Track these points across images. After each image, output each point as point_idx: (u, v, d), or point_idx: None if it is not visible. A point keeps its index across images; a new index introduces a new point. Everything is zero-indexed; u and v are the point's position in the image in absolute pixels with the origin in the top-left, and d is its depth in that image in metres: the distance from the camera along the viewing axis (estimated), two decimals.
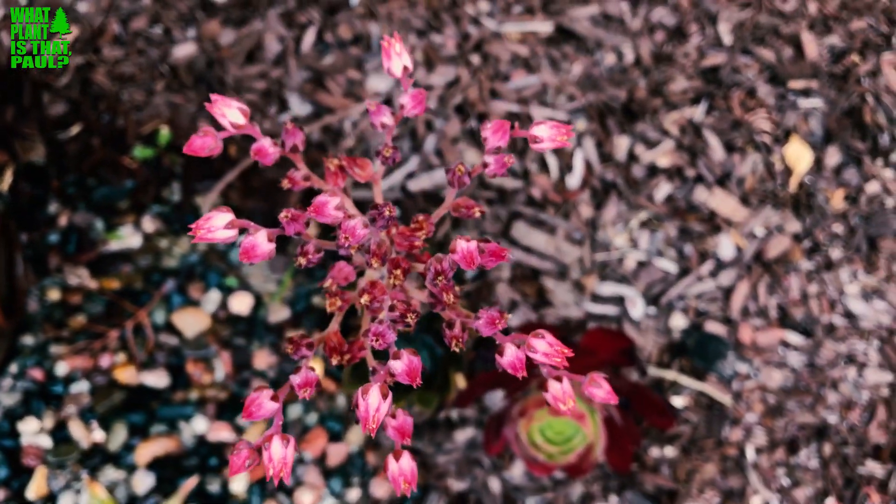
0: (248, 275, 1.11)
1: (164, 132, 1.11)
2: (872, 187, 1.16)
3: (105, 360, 1.06)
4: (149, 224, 1.12)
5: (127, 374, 1.06)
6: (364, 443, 1.08)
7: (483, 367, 1.06)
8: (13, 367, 1.06)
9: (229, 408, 1.07)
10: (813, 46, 1.21)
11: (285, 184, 0.45)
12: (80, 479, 1.03)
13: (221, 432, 1.06)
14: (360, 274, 0.50)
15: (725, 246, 1.13)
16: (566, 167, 1.15)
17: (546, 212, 1.13)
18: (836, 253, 1.14)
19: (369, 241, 0.45)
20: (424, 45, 1.18)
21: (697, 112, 1.17)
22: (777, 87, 1.19)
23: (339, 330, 0.48)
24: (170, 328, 1.09)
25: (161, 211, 1.12)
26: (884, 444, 1.09)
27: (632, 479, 1.07)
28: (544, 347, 0.45)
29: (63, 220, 1.11)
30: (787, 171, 1.16)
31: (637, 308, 1.11)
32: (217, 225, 0.44)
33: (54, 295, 1.08)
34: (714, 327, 1.11)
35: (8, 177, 1.10)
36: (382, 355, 0.46)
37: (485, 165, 0.48)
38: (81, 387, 1.06)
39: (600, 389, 0.47)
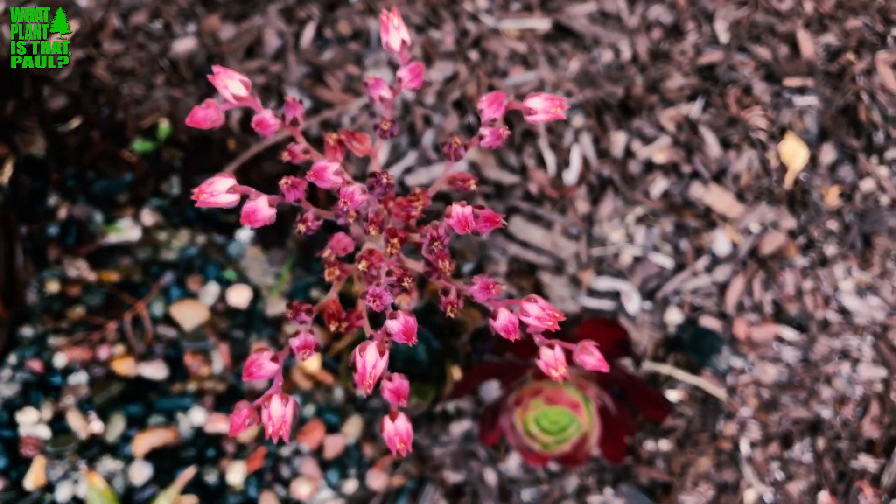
0: (247, 268, 1.12)
1: (164, 126, 1.12)
2: (867, 184, 1.17)
3: (103, 352, 1.07)
4: (148, 217, 1.12)
5: (125, 366, 1.07)
6: (361, 435, 1.08)
7: (479, 360, 1.06)
8: (12, 358, 1.06)
9: (227, 400, 1.07)
10: (809, 45, 1.22)
11: (285, 156, 0.46)
12: (78, 469, 1.03)
13: (219, 424, 1.06)
14: (358, 248, 0.51)
15: (721, 242, 1.14)
16: (563, 163, 1.16)
17: (543, 207, 1.14)
18: (830, 249, 1.15)
19: (367, 209, 0.46)
20: (423, 40, 1.18)
21: (694, 109, 1.18)
22: (773, 85, 1.20)
23: (337, 298, 0.48)
24: (168, 320, 1.10)
25: (160, 204, 1.13)
26: (877, 438, 1.10)
27: (627, 471, 1.08)
28: (537, 311, 0.45)
29: (62, 213, 1.11)
30: (783, 168, 1.17)
31: (633, 303, 1.12)
32: (219, 189, 0.45)
33: (53, 287, 1.09)
34: (709, 322, 1.12)
35: (8, 169, 1.10)
36: (379, 326, 0.47)
37: (480, 138, 0.49)
38: (80, 378, 1.06)
39: (591, 357, 0.48)
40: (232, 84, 0.47)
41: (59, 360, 1.06)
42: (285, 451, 1.07)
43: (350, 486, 1.06)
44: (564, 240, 1.13)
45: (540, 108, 0.49)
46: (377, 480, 1.07)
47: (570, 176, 1.15)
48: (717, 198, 1.15)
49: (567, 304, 1.11)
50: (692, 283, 1.13)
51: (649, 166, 1.16)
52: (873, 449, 1.10)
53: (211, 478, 1.05)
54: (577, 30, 1.21)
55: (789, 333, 1.12)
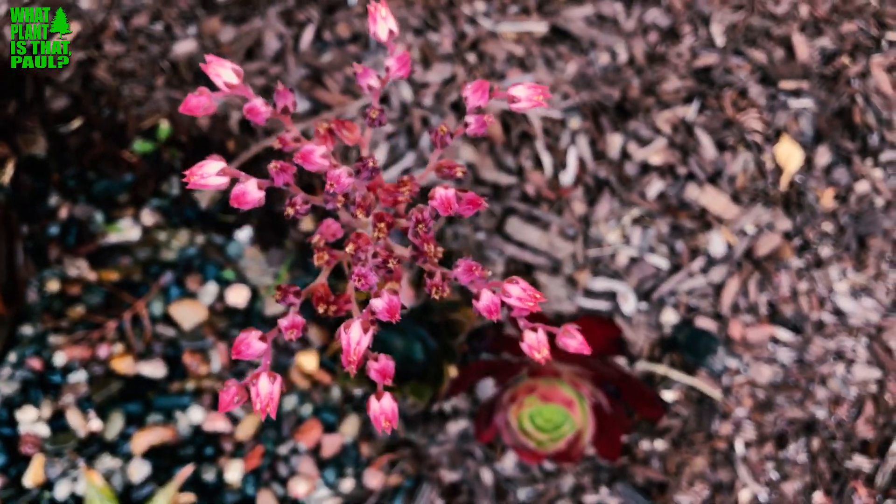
0: (245, 268, 1.12)
1: (164, 127, 1.13)
2: (862, 187, 1.18)
3: (103, 351, 1.08)
4: (148, 217, 1.13)
5: (124, 365, 1.08)
6: (358, 434, 1.09)
7: (476, 359, 1.07)
8: (12, 357, 1.07)
9: None
10: (804, 48, 1.23)
11: (276, 145, 0.47)
12: (77, 467, 1.04)
13: (217, 422, 1.07)
14: (346, 236, 0.52)
15: (716, 243, 1.15)
16: (560, 164, 1.16)
17: (540, 208, 1.15)
18: (825, 251, 1.16)
19: (355, 194, 0.46)
20: (421, 43, 1.20)
21: (689, 111, 1.19)
22: (768, 88, 1.21)
23: (326, 283, 0.49)
24: (167, 320, 1.10)
25: (160, 204, 1.14)
26: (871, 439, 1.10)
27: (622, 471, 1.08)
28: (518, 292, 0.46)
29: (63, 213, 1.12)
30: (778, 170, 1.18)
31: (629, 303, 1.13)
32: (209, 172, 0.46)
33: (54, 286, 1.10)
34: (704, 323, 1.13)
35: (9, 170, 1.11)
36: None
37: (466, 125, 0.50)
38: (79, 376, 1.07)
39: (573, 340, 0.48)
40: (224, 72, 0.48)
41: (59, 358, 1.07)
42: (283, 450, 1.07)
43: (347, 484, 1.07)
44: (561, 241, 1.14)
45: (523, 97, 0.50)
46: (374, 479, 1.07)
47: (567, 177, 1.16)
48: (713, 199, 1.16)
49: (564, 304, 1.12)
50: (688, 284, 1.14)
51: (645, 168, 1.17)
52: (868, 449, 1.10)
53: (209, 476, 1.05)
54: (574, 33, 1.22)
55: (784, 334, 1.13)
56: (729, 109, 1.19)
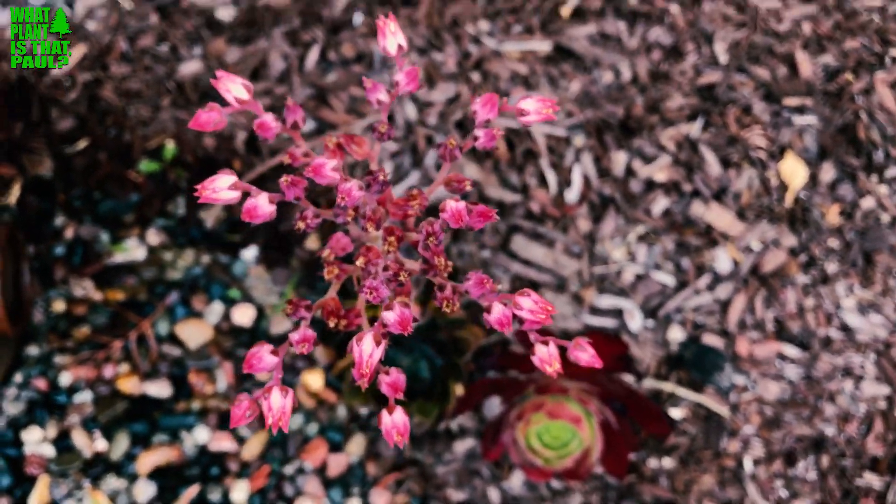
0: (251, 287, 1.12)
1: (170, 147, 1.13)
2: (867, 203, 1.17)
3: (108, 371, 1.08)
4: (153, 237, 1.13)
5: (130, 385, 1.07)
6: (364, 454, 1.09)
7: (482, 377, 1.07)
8: (18, 377, 1.07)
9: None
10: (807, 65, 1.23)
11: (286, 160, 0.47)
12: (83, 487, 1.04)
13: (223, 442, 1.07)
14: (356, 250, 0.52)
15: (722, 260, 1.15)
16: (565, 182, 1.17)
17: (545, 225, 1.15)
18: (832, 267, 1.16)
19: (365, 208, 0.47)
20: (426, 62, 1.20)
21: (694, 128, 1.19)
22: (772, 105, 1.21)
23: (336, 297, 0.49)
24: (173, 339, 1.10)
25: (166, 224, 1.14)
26: (881, 456, 1.10)
27: (630, 489, 1.08)
28: (529, 304, 0.46)
29: (69, 233, 1.12)
30: (783, 187, 1.18)
31: (635, 321, 1.13)
32: (221, 186, 0.46)
33: (59, 306, 1.10)
34: (711, 340, 1.12)
35: (16, 190, 1.11)
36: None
37: (475, 138, 0.50)
38: (85, 396, 1.07)
39: (585, 353, 0.48)
40: (234, 87, 0.48)
41: (65, 378, 1.07)
42: (289, 470, 1.07)
43: None
44: (566, 258, 1.14)
45: (532, 109, 0.50)
46: (380, 499, 1.07)
47: (572, 195, 1.16)
48: (718, 216, 1.16)
49: (569, 322, 1.12)
50: (694, 301, 1.14)
51: (650, 185, 1.17)
52: (878, 466, 1.10)
53: (215, 496, 1.05)
54: (578, 51, 1.22)
55: (791, 351, 1.13)
56: (733, 126, 1.19)
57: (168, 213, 1.14)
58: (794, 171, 1.18)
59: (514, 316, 0.47)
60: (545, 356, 0.47)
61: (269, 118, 0.49)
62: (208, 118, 0.48)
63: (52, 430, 1.06)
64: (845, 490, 1.09)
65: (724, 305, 1.14)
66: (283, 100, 1.16)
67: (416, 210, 0.48)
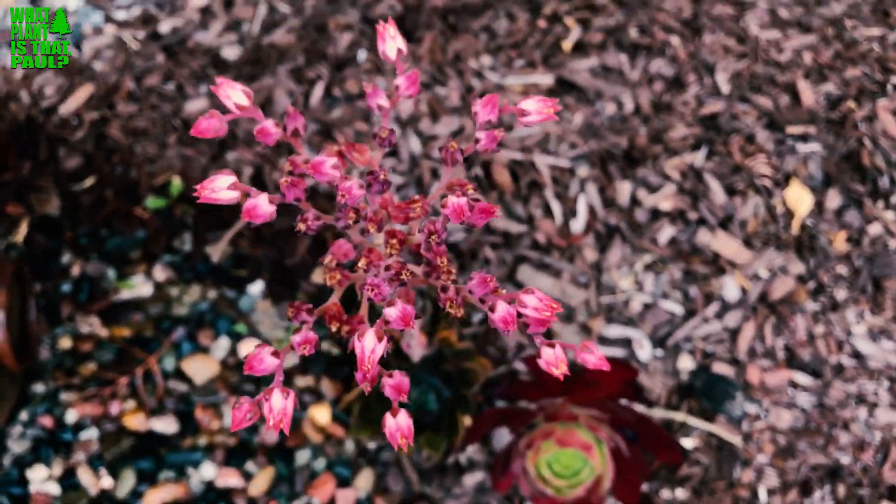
0: (258, 322, 1.12)
1: (176, 182, 1.14)
2: (874, 229, 1.17)
3: (115, 407, 1.07)
4: (160, 273, 1.13)
5: (136, 421, 1.07)
6: (373, 489, 1.07)
7: (490, 408, 1.05)
8: (24, 415, 1.06)
9: (238, 454, 1.07)
10: (809, 94, 1.24)
11: (286, 166, 0.47)
12: None
13: (230, 478, 1.05)
14: (358, 257, 0.51)
15: (730, 287, 1.14)
16: (570, 212, 1.17)
17: (551, 255, 1.15)
18: (841, 294, 1.15)
19: (367, 210, 0.46)
20: (429, 97, 1.21)
21: (698, 157, 1.19)
22: (775, 133, 1.22)
23: (338, 302, 0.49)
24: (179, 375, 1.10)
25: (172, 260, 1.14)
26: None
27: None
28: (534, 302, 0.46)
29: (76, 270, 1.12)
30: (789, 214, 1.17)
31: (644, 350, 1.12)
32: (220, 186, 0.46)
33: (66, 343, 1.09)
34: (721, 368, 1.11)
35: (23, 229, 1.12)
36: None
37: (476, 141, 0.50)
38: (91, 434, 1.06)
39: (592, 355, 0.47)
40: (234, 94, 0.49)
41: (71, 416, 1.06)
42: None
43: None
44: (573, 288, 1.14)
45: (533, 110, 0.50)
46: None
47: (578, 225, 1.16)
48: (725, 244, 1.15)
49: None
50: (703, 330, 1.13)
51: (655, 214, 1.17)
52: (895, 495, 1.08)
53: None
54: (580, 84, 1.23)
55: (803, 378, 1.11)
56: (737, 155, 1.20)
57: (174, 248, 1.14)
58: (799, 198, 1.18)
59: (519, 315, 0.46)
60: (552, 358, 0.47)
61: (269, 124, 0.49)
62: (209, 125, 0.49)
63: (57, 468, 1.05)
64: None
65: (734, 334, 1.13)
66: (291, 104, 1.17)
67: (419, 212, 0.48)
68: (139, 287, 1.13)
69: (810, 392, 1.11)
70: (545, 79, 1.23)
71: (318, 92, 1.22)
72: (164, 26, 1.26)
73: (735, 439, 1.08)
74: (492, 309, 0.45)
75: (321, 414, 1.08)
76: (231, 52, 1.24)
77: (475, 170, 1.17)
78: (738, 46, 1.28)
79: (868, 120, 1.22)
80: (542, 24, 1.29)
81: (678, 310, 1.14)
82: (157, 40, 1.25)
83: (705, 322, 1.13)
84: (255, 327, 1.12)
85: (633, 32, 1.27)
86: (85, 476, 1.04)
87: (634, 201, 1.18)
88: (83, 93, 1.18)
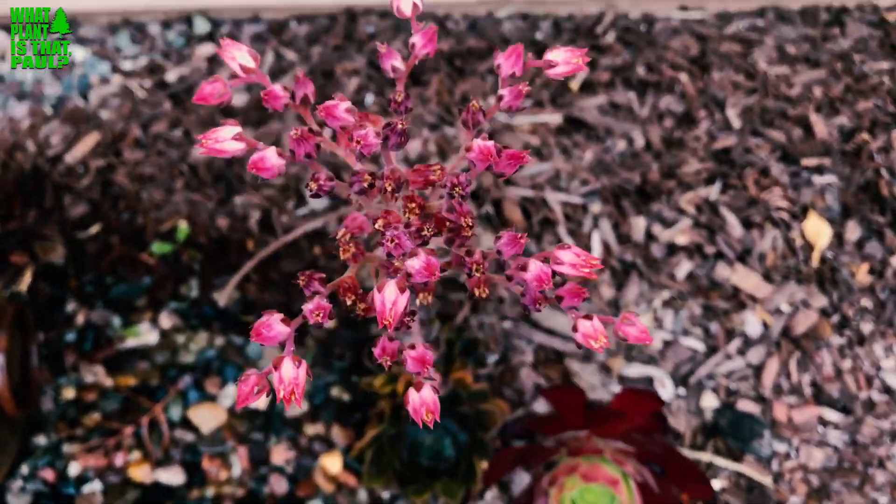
0: (266, 368, 1.09)
1: (183, 227, 1.12)
2: None
3: (119, 459, 1.03)
4: (166, 320, 1.11)
5: (141, 472, 1.02)
6: None
7: (508, 447, 1.01)
8: (24, 468, 1.02)
9: None
10: (822, 126, 1.22)
11: (293, 134, 0.45)
12: None
13: None
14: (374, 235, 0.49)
15: (752, 323, 1.11)
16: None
17: None
18: (867, 327, 1.11)
19: (381, 173, 0.44)
20: (437, 137, 1.20)
21: (713, 191, 1.17)
22: (790, 166, 1.20)
23: (354, 276, 0.46)
24: (186, 424, 1.06)
25: (178, 307, 1.11)
26: None
27: None
28: (570, 258, 0.43)
29: (80, 319, 1.10)
30: (808, 247, 1.15)
31: (666, 389, 1.08)
32: (224, 136, 0.44)
33: (69, 393, 1.06)
34: (747, 406, 1.07)
35: (27, 278, 1.10)
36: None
37: (499, 98, 0.48)
38: (94, 486, 1.02)
39: (634, 328, 0.44)
40: (240, 55, 0.47)
41: (73, 468, 1.02)
42: None
43: None
44: None
45: (561, 60, 0.48)
46: None
47: None
48: (744, 278, 1.13)
49: (598, 392, 1.07)
50: (726, 367, 1.09)
51: (672, 249, 1.14)
52: None
53: None
54: (589, 121, 1.22)
55: (833, 415, 1.07)
56: (752, 188, 1.18)
57: (181, 295, 1.12)
58: (818, 230, 1.15)
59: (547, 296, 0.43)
60: (589, 331, 0.44)
61: (277, 88, 0.47)
62: (212, 90, 0.47)
63: None
64: None
65: (758, 370, 1.09)
66: (297, 178, 1.15)
67: (438, 176, 0.46)
68: (145, 335, 1.10)
69: (841, 429, 1.07)
70: (554, 118, 1.22)
71: (326, 134, 1.20)
72: (171, 75, 1.26)
73: (765, 479, 1.03)
74: (523, 268, 0.42)
75: (332, 463, 1.04)
76: (238, 99, 1.23)
77: (486, 207, 1.14)
78: (747, 82, 1.27)
79: (884, 151, 1.20)
80: None
81: (699, 346, 1.10)
82: (163, 88, 1.24)
83: (728, 358, 1.09)
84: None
85: (640, 70, 1.27)
86: None
87: (650, 236, 1.15)
88: (89, 140, 1.17)
